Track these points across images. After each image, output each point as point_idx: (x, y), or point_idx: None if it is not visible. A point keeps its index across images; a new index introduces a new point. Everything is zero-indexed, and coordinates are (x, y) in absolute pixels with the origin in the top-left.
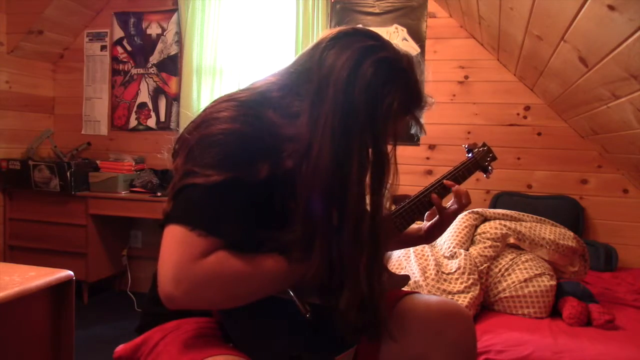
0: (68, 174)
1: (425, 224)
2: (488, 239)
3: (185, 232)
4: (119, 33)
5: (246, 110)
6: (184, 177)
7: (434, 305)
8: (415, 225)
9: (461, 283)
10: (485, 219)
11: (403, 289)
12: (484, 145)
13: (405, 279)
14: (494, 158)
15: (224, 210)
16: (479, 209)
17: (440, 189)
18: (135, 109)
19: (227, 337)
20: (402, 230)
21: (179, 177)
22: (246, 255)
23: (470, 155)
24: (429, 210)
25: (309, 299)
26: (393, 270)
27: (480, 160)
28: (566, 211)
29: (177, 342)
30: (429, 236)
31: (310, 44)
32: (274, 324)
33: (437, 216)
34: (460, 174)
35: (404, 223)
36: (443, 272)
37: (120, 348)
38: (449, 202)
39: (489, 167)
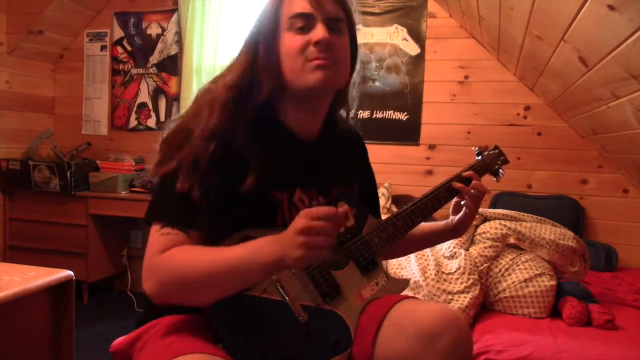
0: (68, 174)
1: (452, 218)
2: (488, 239)
3: (153, 229)
4: (119, 33)
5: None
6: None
7: (431, 311)
8: (441, 222)
9: (461, 283)
10: (485, 219)
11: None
12: (495, 148)
13: (405, 282)
14: (505, 161)
15: (176, 201)
16: (479, 209)
17: (445, 192)
18: (135, 109)
19: (219, 336)
20: (404, 233)
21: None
22: (202, 247)
23: (479, 158)
24: (433, 213)
25: (303, 301)
26: (393, 270)
27: (490, 163)
28: (566, 211)
29: (158, 338)
30: (458, 228)
31: None
32: (266, 326)
33: (464, 208)
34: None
35: (405, 226)
36: (443, 272)
37: (116, 342)
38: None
39: (500, 171)
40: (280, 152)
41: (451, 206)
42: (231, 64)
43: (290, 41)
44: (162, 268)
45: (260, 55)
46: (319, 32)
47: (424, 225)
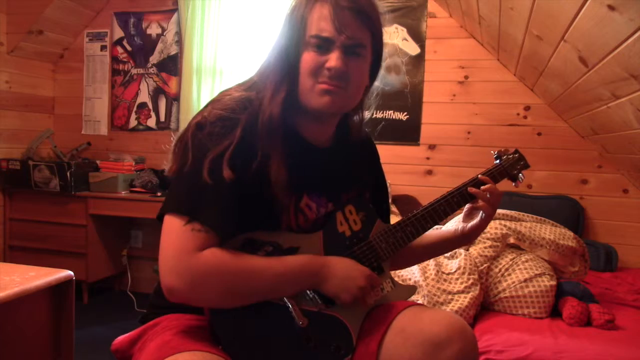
0: (68, 174)
1: (464, 225)
2: (488, 239)
3: (176, 223)
4: (119, 33)
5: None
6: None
7: (438, 320)
8: (451, 228)
9: (461, 283)
10: None
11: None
12: (515, 152)
13: (412, 289)
14: (525, 166)
15: (205, 197)
16: None
17: (459, 197)
18: (135, 109)
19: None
20: (412, 239)
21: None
22: (245, 253)
23: (498, 162)
24: (445, 218)
25: (306, 306)
26: (395, 272)
27: (508, 167)
28: (566, 211)
29: (157, 337)
30: (471, 235)
31: None
32: (266, 330)
33: (480, 213)
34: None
35: (414, 232)
36: (443, 272)
37: (117, 341)
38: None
39: (519, 175)
40: (291, 157)
41: (463, 212)
42: (258, 70)
43: (306, 58)
44: (205, 269)
45: (281, 64)
46: (333, 59)
47: (431, 233)
